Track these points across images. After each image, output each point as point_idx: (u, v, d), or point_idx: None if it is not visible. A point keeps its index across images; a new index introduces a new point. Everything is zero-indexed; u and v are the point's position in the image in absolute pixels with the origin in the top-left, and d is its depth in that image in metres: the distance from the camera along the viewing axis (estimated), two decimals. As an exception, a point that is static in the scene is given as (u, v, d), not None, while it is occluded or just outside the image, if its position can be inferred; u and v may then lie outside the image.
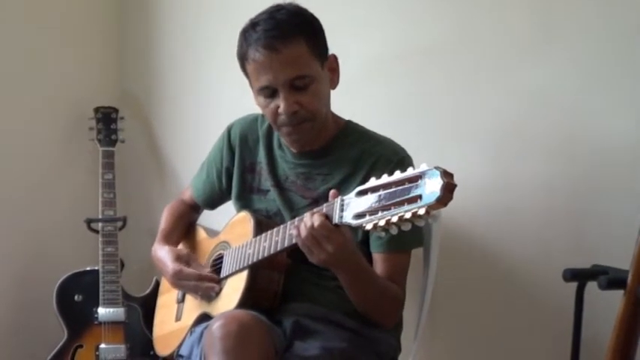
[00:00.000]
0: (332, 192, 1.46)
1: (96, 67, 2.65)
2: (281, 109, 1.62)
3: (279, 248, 1.56)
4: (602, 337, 1.49)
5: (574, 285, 1.67)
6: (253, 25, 1.63)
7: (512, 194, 2.04)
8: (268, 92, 1.63)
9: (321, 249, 1.46)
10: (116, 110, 2.55)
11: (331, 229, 1.44)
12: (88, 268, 2.37)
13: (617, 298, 1.39)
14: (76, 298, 2.34)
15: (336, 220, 1.40)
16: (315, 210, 1.48)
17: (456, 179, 2.04)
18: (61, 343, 2.31)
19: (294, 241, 1.50)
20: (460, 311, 2.12)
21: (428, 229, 1.91)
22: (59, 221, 2.55)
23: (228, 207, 1.91)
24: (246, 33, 1.64)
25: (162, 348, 1.96)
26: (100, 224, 2.41)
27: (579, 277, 1.66)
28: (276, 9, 1.64)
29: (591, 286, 1.61)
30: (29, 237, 2.49)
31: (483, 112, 2.07)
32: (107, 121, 2.52)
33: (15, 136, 2.43)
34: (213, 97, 2.50)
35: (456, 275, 2.07)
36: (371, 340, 1.68)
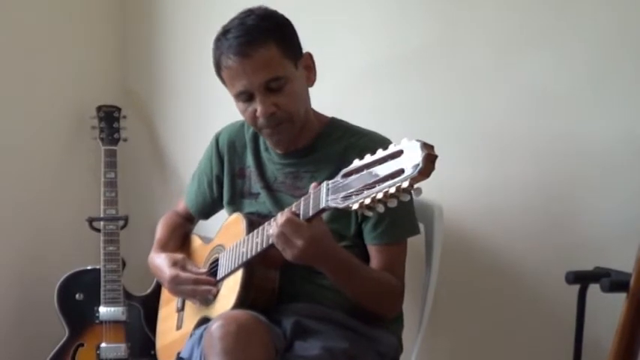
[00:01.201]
0: (313, 184, 1.48)
1: (98, 65, 2.65)
2: (258, 112, 1.64)
3: (271, 241, 1.56)
4: (604, 339, 1.49)
5: (576, 287, 1.67)
6: (224, 32, 1.65)
7: (514, 196, 2.03)
8: (245, 97, 1.65)
9: (292, 245, 1.48)
10: (118, 109, 2.55)
11: (298, 224, 1.47)
12: (90, 267, 2.37)
13: (619, 300, 1.38)
14: (77, 296, 2.34)
15: (323, 204, 1.40)
16: (287, 208, 1.51)
17: (459, 180, 2.05)
18: (61, 342, 2.31)
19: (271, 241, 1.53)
20: (462, 312, 2.11)
21: (431, 229, 1.91)
22: (61, 220, 2.55)
23: (223, 215, 1.91)
24: (218, 42, 1.67)
25: (165, 358, 1.96)
26: (101, 223, 2.41)
27: (581, 279, 1.65)
28: (246, 14, 1.65)
29: (593, 289, 1.61)
30: (31, 235, 2.49)
31: (485, 114, 2.06)
32: (109, 119, 2.52)
33: (17, 135, 2.43)
34: (215, 96, 2.47)
35: (458, 277, 2.07)
36: (372, 339, 1.68)
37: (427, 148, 1.21)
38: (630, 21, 1.87)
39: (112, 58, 2.68)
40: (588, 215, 1.95)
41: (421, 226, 1.88)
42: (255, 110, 1.64)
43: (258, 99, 1.63)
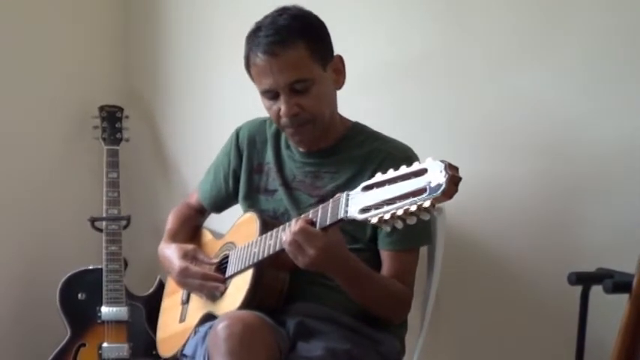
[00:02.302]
0: (336, 195, 1.47)
1: (101, 65, 2.65)
2: (282, 112, 1.65)
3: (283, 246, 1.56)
4: (606, 340, 1.48)
5: (579, 288, 1.67)
6: (257, 29, 1.66)
7: (516, 197, 2.03)
8: (271, 95, 1.66)
9: (304, 253, 1.49)
10: (121, 109, 2.55)
11: (312, 233, 1.47)
12: (92, 267, 2.37)
13: (622, 301, 1.38)
14: (80, 296, 2.34)
15: (341, 214, 1.40)
16: (303, 215, 1.51)
17: (461, 184, 2.04)
18: (63, 342, 2.31)
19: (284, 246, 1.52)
20: (463, 313, 2.11)
21: (433, 229, 1.91)
22: (63, 220, 2.55)
23: (234, 210, 1.91)
24: (250, 38, 1.67)
25: (165, 350, 1.96)
26: (104, 223, 2.41)
27: (584, 280, 1.65)
28: (280, 13, 1.66)
29: (596, 290, 1.61)
30: (33, 235, 2.49)
31: (483, 117, 2.07)
32: (112, 119, 2.52)
33: (20, 134, 2.43)
34: (218, 96, 2.50)
35: (460, 278, 2.07)
36: (375, 341, 1.68)
37: (452, 169, 1.21)
38: (629, 25, 1.87)
39: (114, 57, 2.68)
40: (591, 216, 1.95)
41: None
42: (280, 109, 1.65)
43: (282, 99, 1.64)
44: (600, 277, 1.58)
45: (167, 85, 2.64)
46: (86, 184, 2.58)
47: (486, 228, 2.09)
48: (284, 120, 1.66)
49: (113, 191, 2.43)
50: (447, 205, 1.92)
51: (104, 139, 2.50)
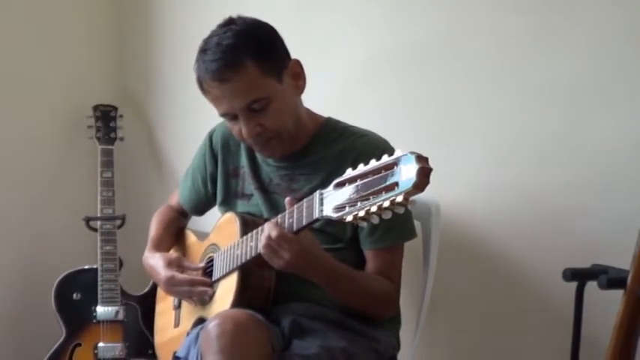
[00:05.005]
0: (287, 199, 1.49)
1: (95, 64, 2.64)
2: (244, 134, 1.63)
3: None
4: (602, 336, 1.49)
5: (574, 284, 1.67)
6: (203, 51, 1.61)
7: (512, 193, 2.03)
8: (230, 117, 1.64)
9: (278, 257, 1.50)
10: (115, 108, 2.55)
11: (286, 238, 1.47)
12: (87, 267, 2.37)
13: (617, 297, 1.38)
14: (75, 296, 2.34)
15: (316, 214, 1.38)
16: (279, 216, 1.51)
17: (457, 177, 2.05)
18: (59, 342, 2.31)
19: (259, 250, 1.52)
20: (459, 310, 2.12)
21: (428, 227, 1.91)
22: (58, 219, 2.55)
23: (216, 210, 1.91)
24: (198, 62, 1.63)
25: (165, 355, 1.95)
26: (98, 222, 2.41)
27: (579, 276, 1.65)
28: (224, 31, 1.60)
29: (591, 286, 1.61)
30: (28, 235, 2.49)
31: (482, 112, 2.06)
32: (106, 119, 2.52)
33: (14, 134, 2.43)
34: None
35: (456, 274, 2.07)
36: (370, 338, 1.67)
37: (421, 161, 1.18)
38: (636, 21, 1.87)
39: (108, 57, 2.67)
40: (586, 212, 1.95)
41: (418, 224, 1.89)
42: (241, 130, 1.63)
43: (241, 121, 1.61)
44: (595, 273, 1.57)
45: (161, 84, 2.64)
46: (81, 183, 2.57)
47: (481, 224, 2.09)
48: (248, 140, 1.65)
49: (108, 191, 2.43)
50: (444, 202, 1.93)
51: (98, 139, 2.50)
